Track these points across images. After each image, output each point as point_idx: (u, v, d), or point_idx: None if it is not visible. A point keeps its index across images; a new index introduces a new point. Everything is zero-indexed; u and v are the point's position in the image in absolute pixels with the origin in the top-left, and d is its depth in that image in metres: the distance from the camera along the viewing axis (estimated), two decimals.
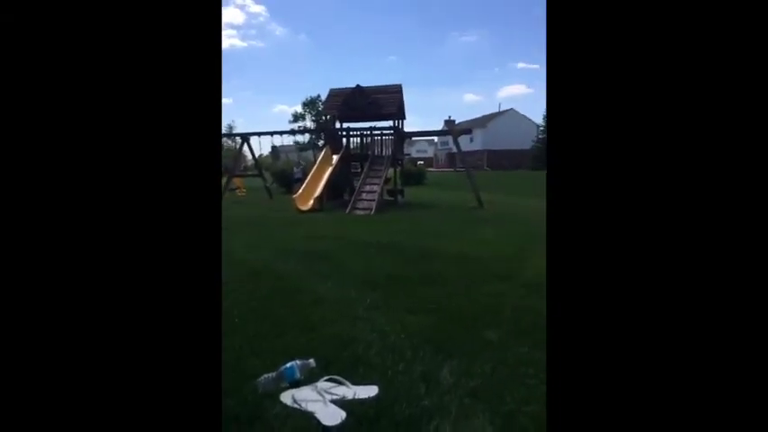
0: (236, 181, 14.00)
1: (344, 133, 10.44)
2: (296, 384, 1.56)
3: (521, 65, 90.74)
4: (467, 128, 14.62)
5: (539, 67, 74.53)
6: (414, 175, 18.24)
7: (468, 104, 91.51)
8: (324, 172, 9.45)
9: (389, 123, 10.19)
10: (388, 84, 10.63)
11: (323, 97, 14.19)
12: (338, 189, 10.05)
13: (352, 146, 10.37)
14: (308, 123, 42.28)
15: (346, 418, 1.35)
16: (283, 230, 5.72)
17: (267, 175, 14.44)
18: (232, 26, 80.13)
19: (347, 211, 7.95)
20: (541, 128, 34.34)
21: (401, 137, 10.69)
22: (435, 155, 47.58)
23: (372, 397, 1.48)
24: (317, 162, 9.99)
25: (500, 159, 35.90)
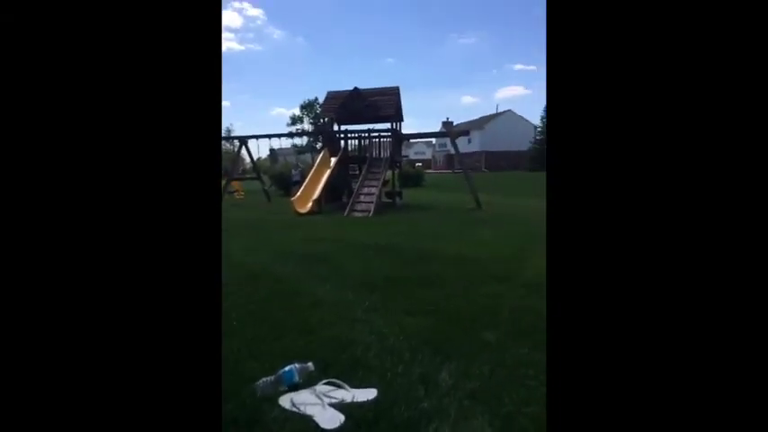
0: (235, 184, 13.99)
1: (342, 136, 10.45)
2: (294, 388, 1.56)
3: (518, 66, 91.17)
4: (464, 129, 14.68)
5: (536, 69, 74.84)
6: (412, 177, 18.26)
7: (466, 106, 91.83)
8: (322, 174, 9.45)
9: (387, 125, 10.21)
10: (385, 86, 10.66)
11: (321, 100, 14.20)
12: (336, 191, 10.05)
13: (350, 148, 10.37)
14: (306, 126, 42.33)
15: (345, 422, 1.35)
16: (282, 233, 5.72)
17: (265, 178, 14.43)
18: (230, 29, 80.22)
19: (345, 213, 7.94)
20: (539, 129, 34.42)
21: (399, 139, 10.70)
22: (433, 156, 47.66)
23: (371, 400, 1.47)
24: (315, 165, 9.99)
25: (498, 161, 35.97)
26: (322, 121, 11.36)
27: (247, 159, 13.03)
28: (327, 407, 1.43)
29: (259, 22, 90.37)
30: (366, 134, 10.34)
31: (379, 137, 10.15)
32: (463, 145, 19.43)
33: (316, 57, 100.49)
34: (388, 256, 3.96)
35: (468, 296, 2.67)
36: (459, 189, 12.33)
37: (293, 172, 14.06)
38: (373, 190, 8.67)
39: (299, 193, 8.94)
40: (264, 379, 1.56)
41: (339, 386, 1.55)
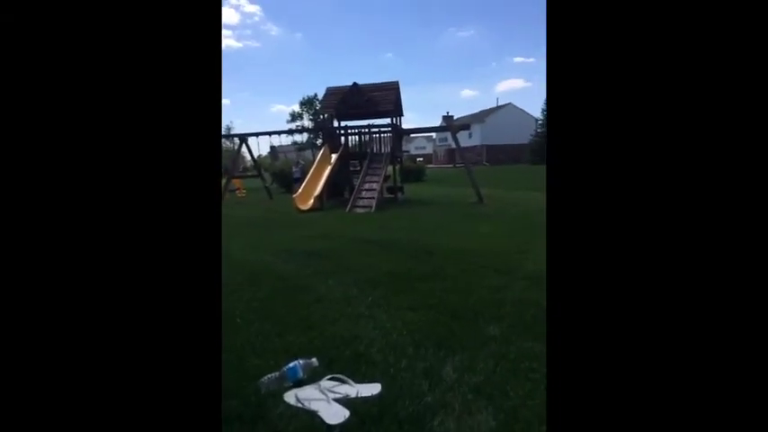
0: (236, 182, 14.00)
1: (342, 132, 10.43)
2: (299, 384, 1.56)
3: (518, 59, 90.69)
4: (465, 123, 14.59)
5: (535, 61, 74.44)
6: (413, 172, 18.22)
7: (466, 100, 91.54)
8: (323, 171, 9.44)
9: (387, 121, 10.18)
10: (385, 81, 10.61)
11: (320, 96, 14.18)
12: (338, 188, 10.05)
13: (350, 144, 10.36)
14: (306, 123, 42.26)
15: (350, 417, 1.35)
16: (284, 230, 5.72)
17: (266, 175, 14.43)
18: (227, 26, 79.95)
19: (347, 209, 7.94)
20: (540, 122, 34.28)
21: (399, 134, 10.67)
22: (434, 151, 47.55)
23: (375, 395, 1.48)
24: (316, 161, 9.98)
25: (499, 154, 35.89)
26: (322, 117, 11.31)
27: (248, 157, 13.05)
28: (332, 402, 1.43)
29: (256, 19, 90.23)
30: (366, 130, 10.31)
31: (380, 132, 10.12)
32: (464, 139, 19.37)
33: (314, 53, 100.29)
34: (391, 252, 3.97)
35: (471, 290, 2.67)
36: (460, 183, 12.32)
37: (294, 169, 14.05)
38: (374, 185, 8.66)
39: (300, 190, 8.94)
40: (269, 375, 1.57)
41: (343, 381, 1.55)
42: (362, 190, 8.60)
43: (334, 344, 1.91)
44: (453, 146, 10.90)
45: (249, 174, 14.43)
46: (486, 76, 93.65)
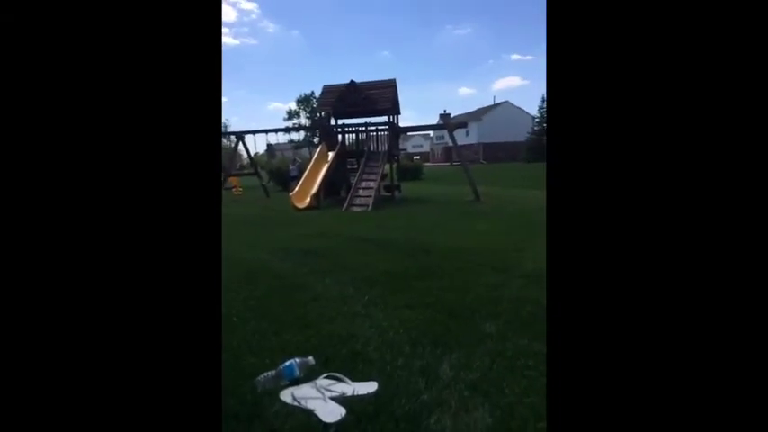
0: (233, 180, 13.96)
1: (339, 130, 10.40)
2: (295, 382, 1.56)
3: (515, 56, 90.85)
4: (462, 121, 14.59)
5: (532, 59, 74.54)
6: (410, 171, 18.22)
7: (463, 98, 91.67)
8: (320, 169, 9.42)
9: (384, 119, 10.16)
10: (382, 79, 10.59)
11: (317, 94, 14.12)
12: (335, 186, 10.04)
13: (347, 142, 10.34)
14: (303, 120, 42.17)
15: (346, 415, 1.35)
16: (281, 229, 5.71)
17: (263, 173, 14.41)
18: (224, 24, 79.36)
19: (344, 208, 7.93)
20: (536, 119, 34.36)
21: (396, 132, 10.66)
22: (431, 149, 47.58)
23: (372, 393, 1.48)
24: (313, 159, 9.96)
25: (496, 152, 35.95)
26: (319, 115, 11.27)
27: (245, 155, 13.02)
28: (328, 400, 1.43)
29: (253, 16, 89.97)
30: (363, 128, 10.29)
31: (377, 130, 10.11)
32: (461, 137, 19.39)
33: (311, 50, 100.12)
34: (388, 250, 3.97)
35: (468, 288, 2.67)
36: (457, 181, 12.32)
37: (291, 167, 14.04)
38: (372, 184, 8.65)
39: (297, 189, 8.92)
40: (265, 374, 1.56)
41: (340, 380, 1.55)
42: (359, 188, 8.59)
43: (330, 342, 1.91)
44: (450, 144, 10.90)
45: (246, 172, 14.40)
46: (483, 74, 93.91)
